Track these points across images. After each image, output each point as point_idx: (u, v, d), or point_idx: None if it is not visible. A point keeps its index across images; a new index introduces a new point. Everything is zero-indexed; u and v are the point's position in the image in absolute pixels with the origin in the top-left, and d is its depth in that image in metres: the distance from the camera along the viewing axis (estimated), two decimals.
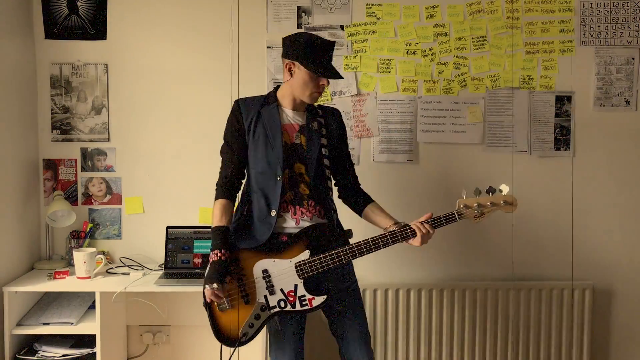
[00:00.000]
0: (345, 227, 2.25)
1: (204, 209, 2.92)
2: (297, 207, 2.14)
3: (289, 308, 2.07)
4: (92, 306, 2.62)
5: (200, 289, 2.52)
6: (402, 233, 2.07)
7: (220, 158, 2.23)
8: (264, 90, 2.87)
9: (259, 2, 2.89)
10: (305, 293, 2.07)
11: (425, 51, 2.90)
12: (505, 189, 2.08)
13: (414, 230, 2.07)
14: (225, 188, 2.18)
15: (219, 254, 2.06)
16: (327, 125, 2.23)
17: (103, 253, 2.81)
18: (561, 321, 2.90)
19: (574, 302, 2.89)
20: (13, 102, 2.68)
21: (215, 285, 2.01)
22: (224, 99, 2.89)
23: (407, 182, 2.93)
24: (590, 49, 2.90)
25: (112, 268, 2.78)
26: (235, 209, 2.22)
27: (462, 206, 2.09)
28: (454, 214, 2.07)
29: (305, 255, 2.07)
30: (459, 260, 2.96)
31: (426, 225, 2.06)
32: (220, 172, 2.22)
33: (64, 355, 2.54)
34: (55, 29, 2.88)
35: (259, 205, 2.14)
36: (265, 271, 2.08)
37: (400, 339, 2.88)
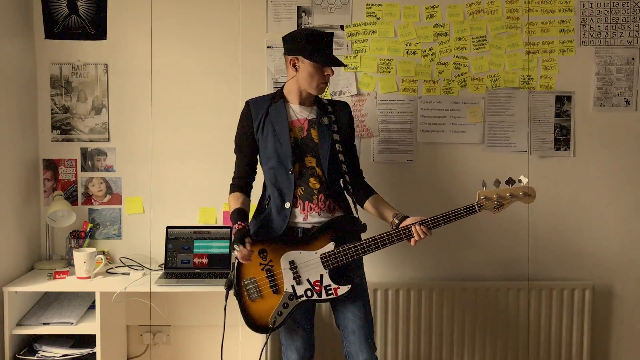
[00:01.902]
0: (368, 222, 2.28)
1: (204, 209, 2.92)
2: (306, 202, 2.22)
3: (315, 297, 2.17)
4: (92, 306, 2.62)
5: (201, 289, 2.55)
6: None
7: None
8: (264, 90, 2.88)
9: (259, 2, 2.88)
10: (331, 283, 2.16)
11: (425, 51, 2.90)
12: (524, 180, 2.11)
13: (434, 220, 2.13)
14: (236, 187, 2.30)
15: (237, 226, 2.16)
16: (337, 120, 2.30)
17: (103, 253, 2.81)
18: (561, 321, 2.90)
19: (574, 302, 2.89)
20: (13, 102, 2.68)
21: (238, 246, 2.09)
22: (224, 98, 2.90)
23: (407, 182, 2.93)
24: (590, 49, 2.90)
25: (112, 268, 2.78)
26: (257, 203, 2.34)
27: (482, 198, 2.12)
28: (474, 205, 2.12)
29: (330, 246, 2.16)
30: (461, 260, 2.96)
31: (424, 229, 2.12)
32: (233, 172, 2.34)
33: (64, 355, 2.54)
34: (55, 29, 2.88)
35: (274, 199, 2.24)
36: (292, 262, 2.17)
37: (401, 338, 2.89)
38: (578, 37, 2.90)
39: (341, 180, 2.31)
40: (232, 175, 2.33)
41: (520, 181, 2.12)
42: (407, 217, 2.19)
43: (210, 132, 2.91)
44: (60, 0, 2.87)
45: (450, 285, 2.89)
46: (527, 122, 2.92)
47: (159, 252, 2.86)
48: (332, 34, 2.24)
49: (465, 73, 2.90)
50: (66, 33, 2.88)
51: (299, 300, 2.17)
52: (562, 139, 2.93)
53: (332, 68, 2.21)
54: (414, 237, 2.12)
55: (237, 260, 2.20)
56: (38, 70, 2.88)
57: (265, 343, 2.27)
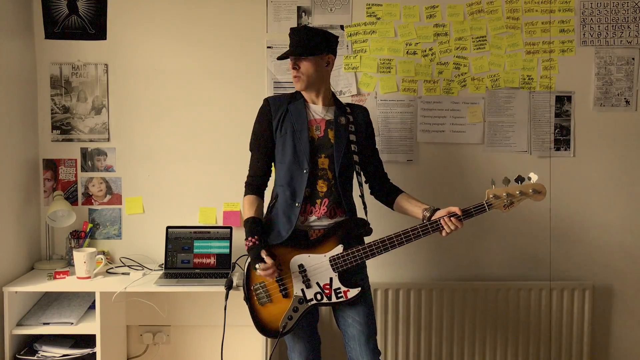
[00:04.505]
0: (374, 224, 2.27)
1: (204, 209, 2.92)
2: (309, 205, 2.21)
3: (325, 300, 2.16)
4: (92, 306, 2.63)
5: (201, 289, 2.55)
6: (433, 226, 2.11)
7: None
8: (264, 90, 2.88)
9: (259, 2, 2.88)
10: (341, 286, 2.15)
11: (425, 51, 2.90)
12: (534, 177, 2.08)
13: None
14: (252, 186, 2.27)
15: (252, 240, 2.14)
16: (355, 121, 2.29)
17: (103, 253, 2.81)
18: (561, 321, 2.90)
19: (574, 302, 2.89)
20: (13, 102, 2.68)
21: (259, 265, 2.08)
22: (223, 98, 2.90)
23: (407, 182, 2.91)
24: (590, 49, 2.90)
25: (112, 268, 2.78)
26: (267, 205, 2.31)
27: (491, 196, 2.10)
28: (483, 204, 2.10)
29: (339, 249, 2.15)
30: (463, 260, 2.97)
31: (454, 221, 2.09)
32: (248, 170, 2.30)
33: (64, 355, 2.54)
34: (55, 29, 2.88)
35: (284, 198, 2.21)
36: (301, 266, 2.16)
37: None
38: (578, 37, 2.90)
39: (356, 182, 2.29)
40: (247, 173, 2.29)
41: (529, 178, 2.09)
42: (438, 209, 2.16)
43: (211, 132, 2.91)
44: (60, 0, 2.87)
45: (457, 285, 2.89)
46: (527, 122, 2.92)
47: (159, 252, 2.86)
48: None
49: (465, 73, 2.90)
50: (66, 33, 2.88)
51: (309, 304, 2.16)
52: (562, 139, 2.93)
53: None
54: (443, 229, 2.10)
55: (247, 265, 2.19)
56: (38, 70, 2.88)
57: (275, 346, 2.26)
